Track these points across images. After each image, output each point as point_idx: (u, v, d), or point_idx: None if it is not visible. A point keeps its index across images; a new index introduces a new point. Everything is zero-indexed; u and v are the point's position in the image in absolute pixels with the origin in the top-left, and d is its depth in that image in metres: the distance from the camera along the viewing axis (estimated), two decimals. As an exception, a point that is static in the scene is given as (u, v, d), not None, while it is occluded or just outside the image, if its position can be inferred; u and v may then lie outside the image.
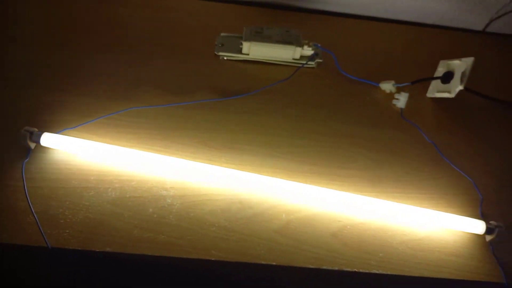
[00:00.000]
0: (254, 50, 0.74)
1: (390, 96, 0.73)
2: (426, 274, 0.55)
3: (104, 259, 0.52)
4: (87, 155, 0.59)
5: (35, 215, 0.52)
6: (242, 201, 0.58)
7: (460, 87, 0.67)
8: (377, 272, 0.54)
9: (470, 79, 0.68)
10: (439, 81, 0.72)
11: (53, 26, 0.76)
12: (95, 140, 0.59)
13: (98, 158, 0.58)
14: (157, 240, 0.52)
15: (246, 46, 0.73)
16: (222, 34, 0.77)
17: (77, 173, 0.57)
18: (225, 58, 0.75)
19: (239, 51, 0.75)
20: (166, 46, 0.75)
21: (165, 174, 0.58)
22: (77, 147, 0.58)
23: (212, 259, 0.52)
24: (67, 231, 0.51)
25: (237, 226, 0.55)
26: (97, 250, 0.50)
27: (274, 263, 0.53)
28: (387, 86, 0.73)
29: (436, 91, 0.73)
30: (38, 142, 0.57)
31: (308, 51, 0.75)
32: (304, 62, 0.75)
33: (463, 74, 0.67)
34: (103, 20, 0.78)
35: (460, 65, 0.68)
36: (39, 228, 0.51)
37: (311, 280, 0.58)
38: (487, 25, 0.88)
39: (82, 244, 0.51)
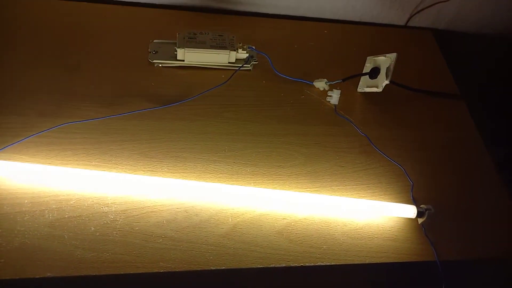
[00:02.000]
0: (189, 56, 0.74)
1: (324, 93, 0.76)
2: (367, 260, 0.59)
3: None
4: (18, 178, 0.56)
5: (-36, 247, 0.49)
6: (188, 209, 0.58)
7: (386, 82, 0.72)
8: (322, 264, 0.57)
9: (396, 72, 0.72)
10: (367, 76, 0.76)
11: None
12: (25, 161, 0.56)
13: (31, 180, 0.56)
14: (102, 259, 0.51)
15: (180, 53, 0.73)
16: (155, 40, 0.76)
17: (9, 198, 0.54)
18: (160, 65, 0.74)
19: (174, 57, 0.74)
20: (95, 55, 0.73)
21: (106, 189, 0.57)
22: (6, 170, 0.55)
23: (161, 271, 0.52)
24: (2, 260, 0.49)
25: (184, 235, 0.55)
26: (37, 277, 0.48)
27: (223, 268, 0.54)
28: (321, 84, 0.76)
29: (365, 86, 0.77)
30: (-39, 168, 0.54)
31: (243, 54, 0.76)
32: (240, 65, 0.76)
33: (388, 69, 0.72)
34: (22, 33, 0.74)
35: (385, 60, 0.73)
36: (-30, 261, 0.48)
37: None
38: (408, 20, 0.95)
39: (19, 272, 0.48)
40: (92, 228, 0.53)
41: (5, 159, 0.56)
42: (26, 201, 0.54)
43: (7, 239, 0.50)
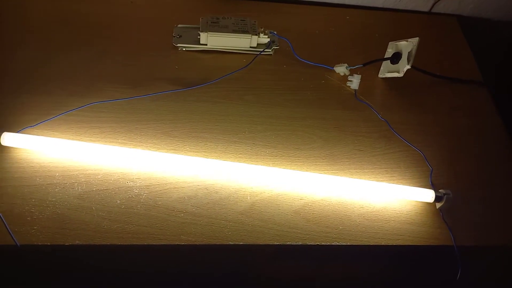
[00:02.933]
0: (212, 40, 0.75)
1: (344, 78, 0.76)
2: (383, 242, 0.60)
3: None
4: (50, 152, 0.59)
5: (0, 215, 0.52)
6: (208, 187, 0.60)
7: (408, 67, 0.72)
8: (337, 244, 0.58)
9: (418, 57, 0.72)
10: (388, 61, 0.76)
11: (5, 27, 0.75)
12: (57, 137, 0.59)
13: (61, 154, 0.59)
14: (127, 230, 0.54)
15: (203, 37, 0.75)
16: (179, 25, 0.78)
17: (41, 171, 0.57)
18: (183, 49, 0.76)
19: (197, 41, 0.76)
20: (121, 41, 0.75)
21: (131, 165, 0.60)
22: (39, 144, 0.58)
23: (182, 243, 0.54)
24: (35, 227, 0.52)
25: (204, 211, 0.58)
26: (67, 244, 0.51)
27: (241, 243, 0.56)
28: (341, 69, 0.76)
29: (386, 71, 0.77)
30: (-2, 142, 0.57)
31: (264, 38, 0.77)
32: (261, 49, 0.77)
33: (409, 54, 0.71)
34: (56, 19, 0.77)
35: (407, 45, 0.73)
36: (6, 227, 0.51)
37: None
38: (432, 6, 0.93)
39: (51, 239, 0.52)
40: (118, 201, 0.56)
41: (38, 135, 0.59)
42: (57, 174, 0.57)
43: (39, 208, 0.54)
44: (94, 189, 0.57)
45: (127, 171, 0.59)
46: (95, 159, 0.59)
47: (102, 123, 0.63)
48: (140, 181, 0.58)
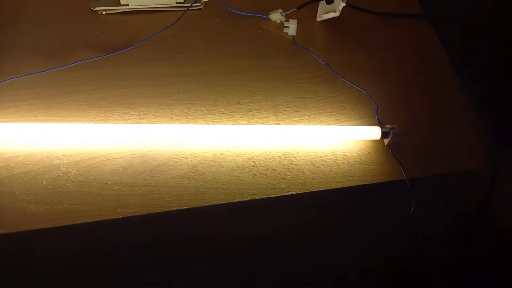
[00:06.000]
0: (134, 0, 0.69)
1: (281, 25, 0.72)
2: (334, 186, 0.58)
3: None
4: (-41, 139, 0.53)
5: None
6: (144, 154, 0.56)
7: (343, 4, 0.68)
8: (287, 193, 0.56)
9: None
10: (324, 2, 0.72)
11: None
12: (-35, 122, 0.53)
13: (-26, 140, 0.53)
14: (57, 211, 0.50)
15: (123, -4, 0.69)
16: (96, -13, 0.71)
17: (-48, 160, 0.51)
18: (103, 12, 0.70)
19: (118, 3, 0.70)
20: (33, 7, 0.68)
21: (55, 143, 0.55)
22: None
23: (120, 217, 0.51)
24: (-50, 222, 0.47)
25: (141, 180, 0.54)
26: (-11, 235, 0.47)
27: (185, 207, 0.53)
28: (276, 16, 0.72)
29: (323, 13, 0.74)
30: None
31: (191, -8, 0.72)
32: (189, 4, 0.72)
33: (343, -10, 0.68)
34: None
35: (340, -18, 0.69)
36: None
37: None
38: None
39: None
40: (44, 182, 0.51)
41: None
42: (-31, 162, 0.52)
43: (-47, 201, 0.49)
44: (16, 172, 0.52)
45: (51, 149, 0.54)
46: (12, 141, 0.54)
47: (18, 102, 0.57)
48: (67, 158, 0.54)
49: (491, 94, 0.78)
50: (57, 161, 0.53)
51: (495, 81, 0.82)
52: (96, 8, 0.69)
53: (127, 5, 0.70)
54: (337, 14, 0.70)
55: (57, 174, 0.52)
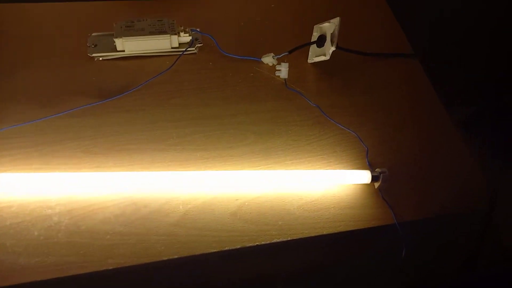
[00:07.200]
0: (129, 46, 0.71)
1: (273, 69, 0.74)
2: (324, 231, 0.58)
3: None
4: (-46, 190, 0.54)
5: None
6: (136, 201, 0.57)
7: (333, 48, 0.70)
8: (278, 240, 0.56)
9: (347, 37, 0.71)
10: (315, 45, 0.74)
11: None
12: (-40, 173, 0.54)
13: (-32, 190, 0.54)
14: (46, 263, 0.50)
15: (119, 43, 0.71)
16: (93, 34, 0.74)
17: None
18: (100, 58, 0.72)
19: (114, 49, 0.72)
20: (32, 56, 0.70)
21: (48, 192, 0.55)
22: None
23: (110, 268, 0.51)
24: None
25: (133, 228, 0.54)
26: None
27: (176, 257, 0.53)
28: (268, 59, 0.74)
29: (314, 56, 0.75)
30: None
31: (186, 37, 0.74)
32: (184, 49, 0.74)
33: (332, 35, 0.70)
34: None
35: (330, 26, 0.71)
36: None
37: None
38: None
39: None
40: (36, 233, 0.52)
41: None
42: (-37, 213, 0.52)
43: None
44: (8, 223, 0.52)
45: (44, 198, 0.55)
46: (7, 191, 0.54)
47: (13, 150, 0.58)
48: (60, 207, 0.54)
49: (483, 132, 0.79)
50: (49, 210, 0.54)
51: (487, 119, 0.83)
52: (93, 55, 0.71)
53: (123, 50, 0.72)
54: (327, 57, 0.72)
55: (49, 224, 0.53)
